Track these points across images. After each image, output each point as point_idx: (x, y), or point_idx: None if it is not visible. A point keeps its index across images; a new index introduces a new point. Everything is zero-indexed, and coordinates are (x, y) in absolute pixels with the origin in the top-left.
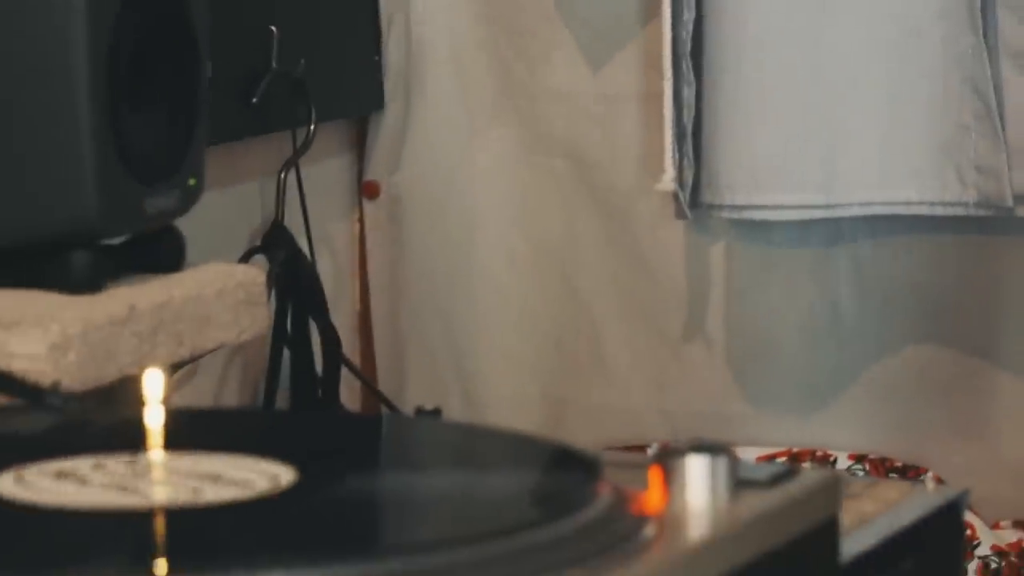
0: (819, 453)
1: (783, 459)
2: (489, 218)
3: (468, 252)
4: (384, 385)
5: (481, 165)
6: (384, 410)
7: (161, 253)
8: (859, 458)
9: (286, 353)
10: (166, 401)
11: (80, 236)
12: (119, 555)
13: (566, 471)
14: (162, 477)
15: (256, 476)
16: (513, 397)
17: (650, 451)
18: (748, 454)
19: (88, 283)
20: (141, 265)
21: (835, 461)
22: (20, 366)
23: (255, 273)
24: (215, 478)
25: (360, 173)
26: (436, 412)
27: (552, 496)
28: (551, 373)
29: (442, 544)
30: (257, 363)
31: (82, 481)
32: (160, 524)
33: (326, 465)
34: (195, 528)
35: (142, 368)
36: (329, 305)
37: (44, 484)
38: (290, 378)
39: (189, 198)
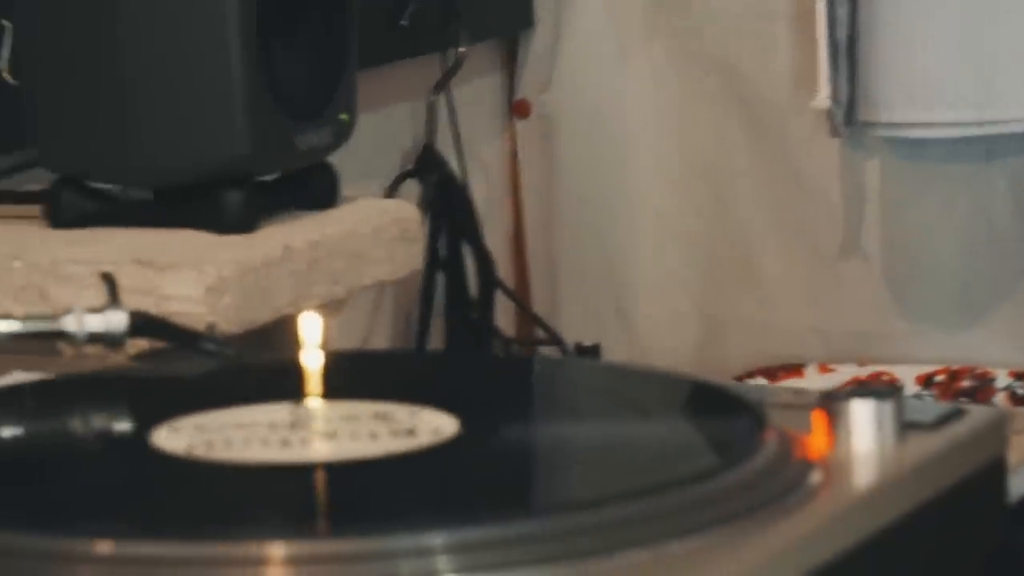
0: (978, 371)
1: (941, 376)
2: (642, 135)
3: (621, 169)
4: (539, 306)
5: (633, 82)
6: (539, 332)
7: (314, 190)
8: (1019, 375)
9: (440, 278)
10: (323, 344)
11: (233, 175)
12: (282, 514)
13: (730, 417)
14: (321, 429)
15: (417, 426)
16: (668, 315)
17: (806, 372)
18: (905, 372)
19: (242, 223)
20: (294, 202)
21: (994, 379)
22: (175, 309)
23: (409, 209)
24: (375, 429)
25: (511, 93)
26: (595, 348)
27: (718, 444)
28: (705, 291)
29: (608, 499)
30: (411, 289)
31: (240, 433)
32: (322, 481)
33: (487, 414)
34: (358, 484)
35: (297, 308)
36: (483, 226)
37: (200, 437)
38: (444, 302)
39: (341, 133)
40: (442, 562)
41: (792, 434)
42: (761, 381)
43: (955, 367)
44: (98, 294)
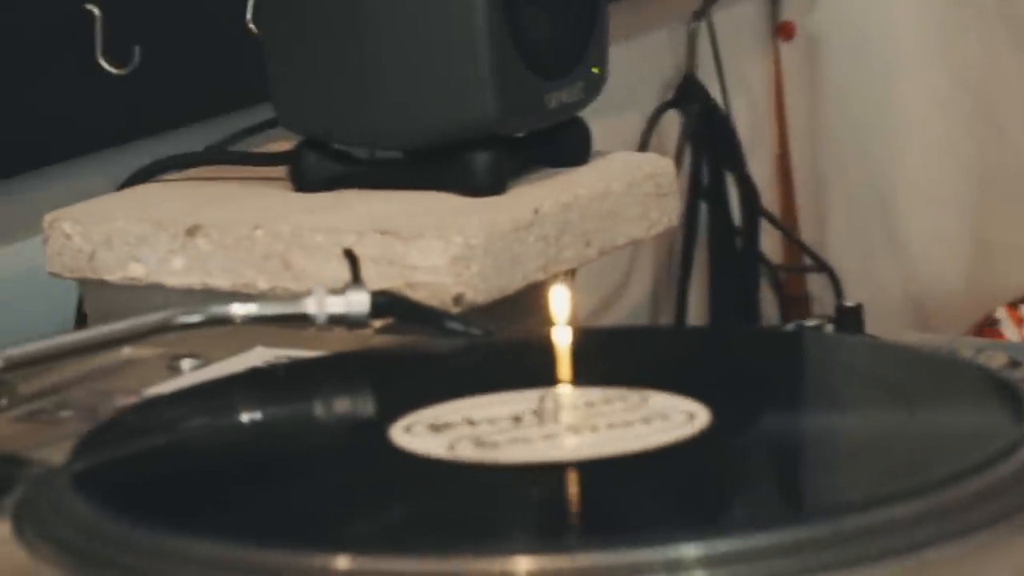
0: None
1: None
2: (909, 55)
3: (888, 90)
4: (805, 233)
5: (900, 1)
6: (806, 260)
7: (566, 146)
8: None
9: (703, 208)
10: (573, 320)
11: (481, 136)
12: (528, 523)
13: (997, 401)
14: (571, 421)
15: (667, 414)
16: (937, 238)
17: None
18: None
19: (491, 185)
20: (545, 159)
21: None
22: (421, 279)
23: (663, 163)
24: (627, 419)
25: (774, 16)
26: (856, 309)
27: (986, 433)
28: (976, 213)
29: (881, 499)
30: None
31: (484, 427)
32: (569, 484)
33: (738, 400)
34: (616, 487)
35: (548, 273)
36: (746, 154)
37: (442, 432)
38: (707, 232)
39: (592, 88)
40: None
41: None
42: None
43: None
44: (342, 265)
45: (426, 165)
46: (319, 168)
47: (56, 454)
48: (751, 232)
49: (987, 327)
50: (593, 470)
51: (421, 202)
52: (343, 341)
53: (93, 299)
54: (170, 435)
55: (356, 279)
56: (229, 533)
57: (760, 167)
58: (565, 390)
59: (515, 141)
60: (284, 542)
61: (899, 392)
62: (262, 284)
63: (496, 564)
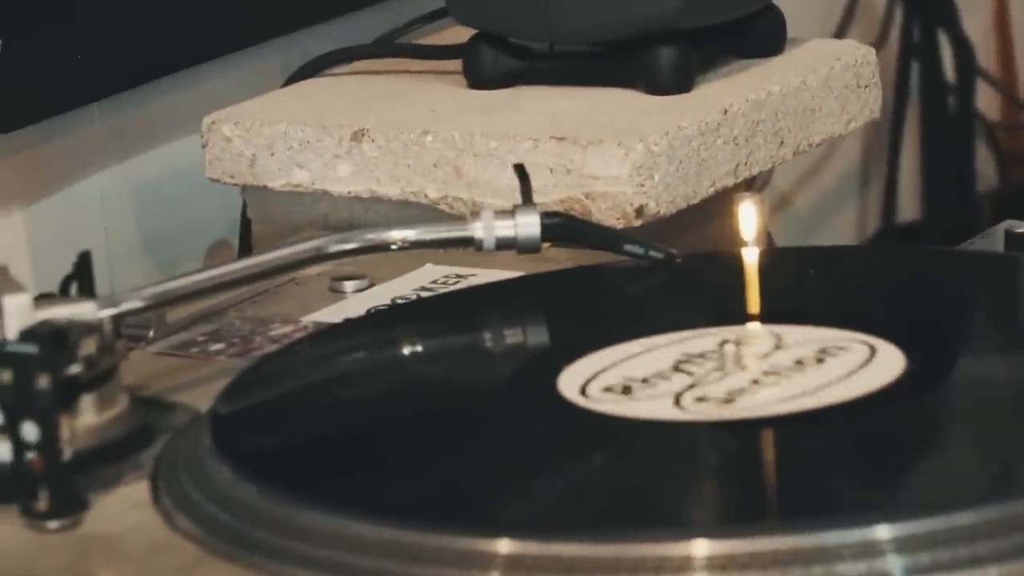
0: None
1: None
2: None
3: None
4: None
5: None
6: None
7: (758, 35)
8: None
9: (915, 67)
10: (762, 239)
11: (665, 29)
12: (706, 500)
13: None
14: (754, 368)
15: (856, 359)
16: None
17: None
18: None
19: (676, 83)
20: (736, 50)
21: None
22: (600, 189)
23: (864, 51)
24: (810, 366)
25: None
26: None
27: None
28: None
29: None
30: (884, 76)
31: (659, 380)
32: (761, 451)
33: (940, 338)
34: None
35: (738, 178)
36: (962, 11)
37: (611, 396)
38: (919, 92)
39: None
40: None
41: None
42: None
43: None
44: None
45: (607, 61)
46: (495, 63)
47: (204, 397)
48: (966, 91)
49: None
50: (787, 430)
51: (601, 102)
52: (515, 257)
53: (256, 205)
54: (324, 386)
55: (527, 199)
56: (386, 513)
57: (975, 23)
58: (752, 330)
59: (702, 32)
60: (443, 525)
61: None
62: (432, 193)
63: (677, 549)
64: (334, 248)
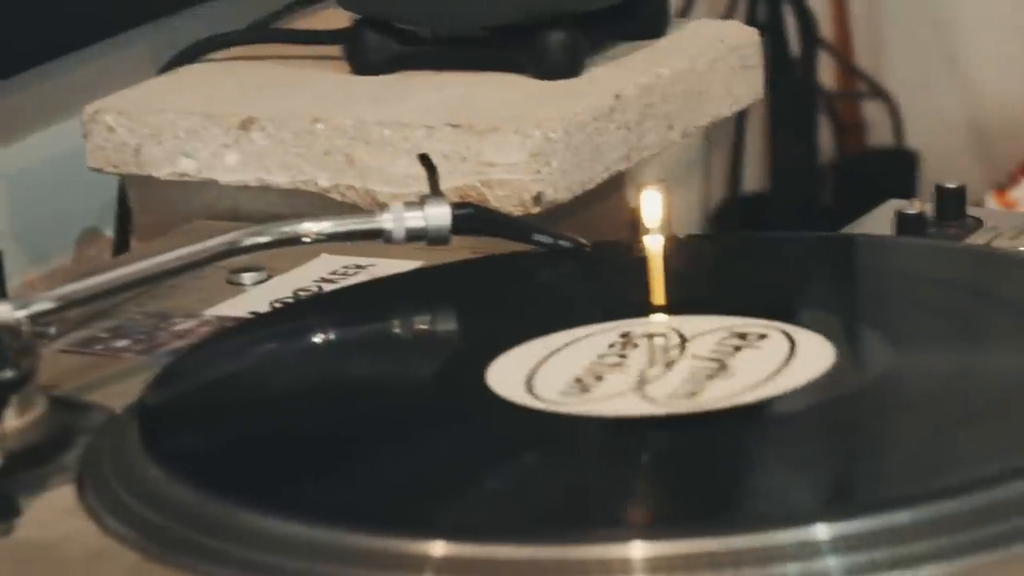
0: None
1: None
2: None
3: None
4: (863, 59)
5: None
6: (863, 87)
7: (643, 18)
8: None
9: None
10: (667, 227)
11: (554, 13)
12: (634, 501)
13: None
14: (663, 361)
15: (779, 350)
16: (999, 61)
17: None
18: None
19: (566, 68)
20: (621, 34)
21: None
22: (498, 177)
23: (748, 33)
24: (724, 359)
25: None
26: (960, 191)
27: None
28: None
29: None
30: None
31: (583, 370)
32: (702, 449)
33: (863, 330)
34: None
35: (631, 162)
36: None
37: (534, 388)
38: (766, 64)
39: None
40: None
41: None
42: None
43: None
44: (410, 161)
45: (495, 46)
46: (379, 49)
47: (117, 396)
48: (808, 62)
49: None
50: (723, 427)
51: (492, 88)
52: (412, 248)
53: (139, 195)
54: (250, 383)
55: (435, 190)
56: (319, 513)
57: None
58: (671, 322)
59: (588, 16)
60: (378, 527)
61: None
62: (323, 181)
63: (609, 551)
64: (248, 242)
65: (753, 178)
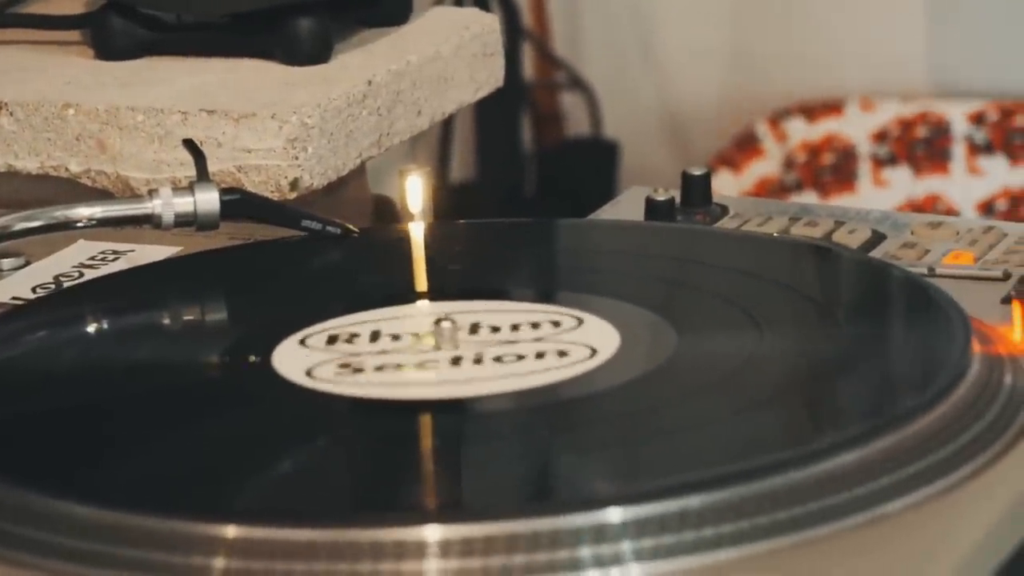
0: None
1: (994, 115)
2: None
3: None
4: (562, 50)
5: None
6: (565, 77)
7: (386, 5)
8: None
9: None
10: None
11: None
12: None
13: (930, 325)
14: (439, 346)
15: (559, 330)
16: (695, 50)
17: (846, 110)
18: (953, 110)
19: (315, 54)
20: (367, 20)
21: None
22: (254, 163)
23: (490, 19)
24: (507, 344)
25: None
26: (706, 176)
27: (927, 364)
28: (735, 23)
29: (818, 453)
30: None
31: (367, 356)
32: (494, 434)
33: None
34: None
35: (381, 148)
36: None
37: (340, 377)
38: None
39: None
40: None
41: (983, 328)
42: (798, 120)
43: (1008, 102)
44: (162, 146)
45: (242, 32)
46: (125, 34)
47: None
48: (512, 52)
49: (748, 144)
50: (515, 411)
51: (244, 74)
52: (170, 235)
53: None
54: (38, 367)
55: (203, 175)
56: (112, 496)
57: None
58: (448, 308)
59: (334, 3)
60: (170, 509)
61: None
62: (74, 167)
63: (405, 534)
64: (19, 227)
65: (460, 169)
